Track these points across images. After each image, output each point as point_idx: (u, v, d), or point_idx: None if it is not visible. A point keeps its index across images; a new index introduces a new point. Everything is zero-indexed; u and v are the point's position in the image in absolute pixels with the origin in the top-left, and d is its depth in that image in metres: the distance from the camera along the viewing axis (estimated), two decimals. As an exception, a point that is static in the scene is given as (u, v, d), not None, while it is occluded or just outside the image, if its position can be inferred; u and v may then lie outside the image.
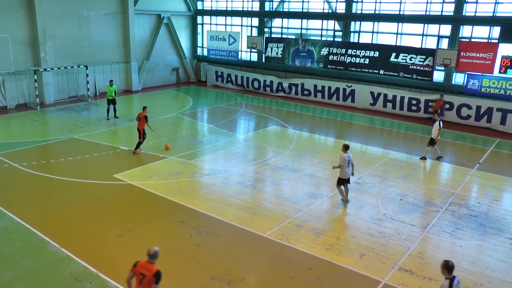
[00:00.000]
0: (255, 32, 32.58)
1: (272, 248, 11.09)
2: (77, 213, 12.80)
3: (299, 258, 10.65)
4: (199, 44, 36.55)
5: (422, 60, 24.84)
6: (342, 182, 13.65)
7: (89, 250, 10.71)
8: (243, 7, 33.07)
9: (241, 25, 33.63)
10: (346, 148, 13.63)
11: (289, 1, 30.87)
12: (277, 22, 32.04)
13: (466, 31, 24.41)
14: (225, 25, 34.61)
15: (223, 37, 33.41)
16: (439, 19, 24.97)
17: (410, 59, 25.32)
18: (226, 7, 34.14)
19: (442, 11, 24.78)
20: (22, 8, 25.38)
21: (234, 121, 24.01)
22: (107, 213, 12.83)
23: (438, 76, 25.37)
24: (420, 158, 18.29)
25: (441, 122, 18.01)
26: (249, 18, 33.07)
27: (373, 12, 27.09)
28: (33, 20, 25.74)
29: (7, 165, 16.30)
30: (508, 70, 22.23)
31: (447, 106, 24.27)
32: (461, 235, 12.01)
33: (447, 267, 7.26)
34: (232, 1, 33.69)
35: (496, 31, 23.05)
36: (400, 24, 26.37)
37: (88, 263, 10.09)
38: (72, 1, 27.63)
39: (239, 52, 33.15)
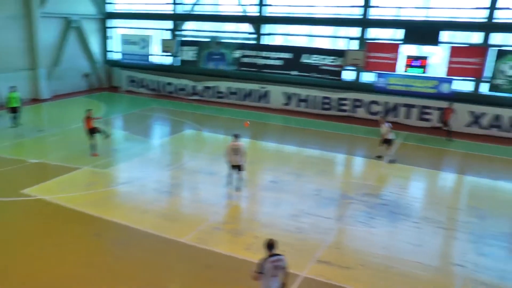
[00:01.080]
0: (168, 35, 32.10)
1: (191, 253, 10.85)
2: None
3: (219, 261, 10.52)
4: (111, 48, 35.33)
5: (333, 60, 25.81)
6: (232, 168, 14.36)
7: (1, 271, 9.87)
8: (155, 10, 32.43)
9: (154, 28, 32.99)
10: (235, 137, 14.41)
11: (201, 4, 30.74)
12: (190, 25, 31.80)
13: (373, 32, 25.70)
14: (138, 28, 33.79)
15: (136, 41, 32.59)
16: (348, 22, 26.10)
17: (321, 60, 26.19)
18: (138, 10, 33.33)
19: (351, 14, 25.92)
20: None
21: (149, 127, 23.44)
22: (14, 234, 11.82)
23: (349, 75, 26.41)
24: (377, 156, 18.46)
25: (388, 123, 18.51)
26: (162, 21, 32.51)
27: (285, 15, 27.68)
28: None
29: None
30: (410, 68, 23.66)
31: (357, 103, 25.36)
32: (374, 223, 12.53)
33: (267, 245, 7.71)
34: (144, 4, 32.94)
35: (400, 33, 24.41)
36: (311, 26, 27.21)
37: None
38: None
39: (153, 56, 32.50)
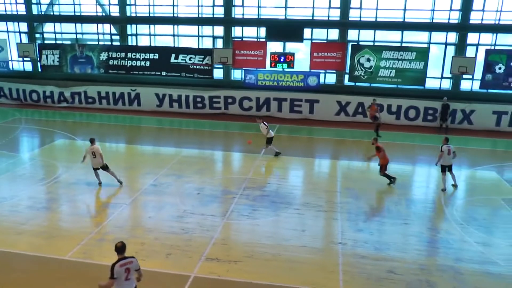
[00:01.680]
0: (25, 39, 29.59)
1: (76, 269, 10.15)
2: None
3: (106, 273, 9.91)
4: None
5: (201, 59, 25.90)
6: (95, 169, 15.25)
7: None
8: (6, 10, 29.57)
9: (8, 31, 30.13)
10: (91, 141, 15.33)
11: (59, 4, 28.84)
12: (49, 26, 29.65)
13: (237, 31, 26.24)
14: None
15: (-12, 46, 29.57)
16: (212, 21, 26.45)
17: (189, 59, 26.16)
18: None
19: (213, 14, 26.22)
20: None
21: (15, 140, 21.39)
22: None
23: (219, 73, 26.72)
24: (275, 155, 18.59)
25: (264, 122, 18.80)
26: (16, 23, 29.88)
27: (148, 15, 27.12)
28: None
29: None
30: (278, 64, 24.66)
31: (230, 100, 25.77)
32: (257, 215, 12.85)
33: (116, 249, 7.76)
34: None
35: (263, 31, 25.28)
36: (175, 26, 26.98)
37: None
38: None
39: (10, 62, 29.78)
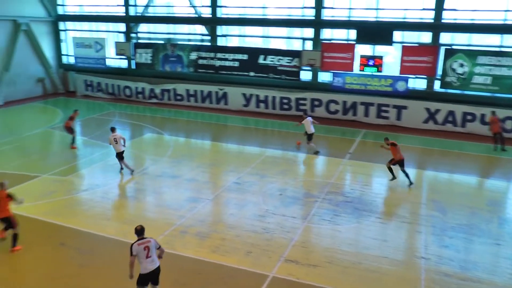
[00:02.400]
0: (122, 38, 31.46)
1: (159, 258, 10.67)
2: None
3: (187, 265, 10.39)
4: (65, 52, 34.25)
5: (289, 61, 25.95)
6: (119, 156, 16.31)
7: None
8: (107, 12, 31.73)
9: (108, 31, 32.24)
10: (112, 130, 16.77)
11: (154, 6, 30.30)
12: (144, 27, 31.29)
13: (327, 33, 26.02)
14: (91, 31, 32.93)
15: (90, 44, 31.78)
16: (302, 23, 26.35)
17: (278, 61, 26.29)
18: (90, 12, 32.48)
19: (303, 15, 26.13)
20: None
21: (108, 132, 22.75)
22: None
23: (306, 75, 26.64)
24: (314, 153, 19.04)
25: (310, 117, 19.25)
26: (115, 24, 31.85)
27: (238, 16, 27.67)
28: None
29: None
30: (366, 67, 24.10)
31: (316, 103, 25.63)
32: (339, 220, 12.68)
33: (135, 231, 8.63)
34: (95, 5, 32.13)
35: (353, 33, 24.86)
36: (265, 27, 27.28)
37: None
38: None
39: (108, 59, 31.79)
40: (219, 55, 27.77)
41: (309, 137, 19.05)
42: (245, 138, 21.93)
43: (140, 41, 30.99)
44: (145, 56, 29.92)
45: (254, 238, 11.55)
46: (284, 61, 26.13)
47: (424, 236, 11.96)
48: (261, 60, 26.71)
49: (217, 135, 22.68)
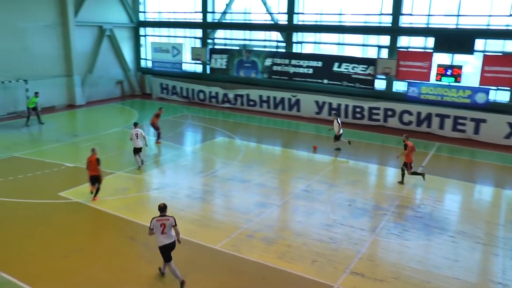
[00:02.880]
0: (199, 44, 32.45)
1: (224, 260, 10.93)
2: (19, 235, 12.09)
3: (252, 269, 10.55)
4: (143, 56, 35.97)
5: (364, 69, 25.60)
6: (136, 151, 17.32)
7: (32, 274, 10.13)
8: (186, 18, 32.89)
9: (185, 37, 33.42)
10: (135, 125, 17.90)
11: (231, 12, 31.00)
12: (220, 33, 32.10)
13: (403, 41, 25.41)
14: (169, 36, 34.31)
15: (167, 48, 33.13)
16: (378, 30, 25.91)
17: (352, 69, 26.02)
18: (169, 19, 33.85)
19: (380, 22, 25.69)
20: (-48, 20, 24.06)
21: (181, 134, 23.68)
22: (52, 234, 12.19)
23: (380, 84, 26.18)
24: (336, 149, 20.47)
25: (338, 119, 20.47)
26: (192, 30, 32.95)
27: (314, 23, 27.66)
28: (-35, 32, 24.46)
29: None
30: (443, 77, 23.25)
31: (389, 113, 25.08)
32: (408, 236, 12.33)
33: (158, 208, 9.76)
34: (174, 12, 33.43)
35: (431, 41, 24.10)
36: (341, 34, 27.10)
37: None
38: (7, 12, 26.38)
39: (184, 64, 32.92)
40: (294, 61, 27.93)
41: (337, 137, 20.38)
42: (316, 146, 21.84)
43: (216, 46, 31.80)
44: (220, 62, 30.67)
45: (320, 247, 11.52)
46: (359, 69, 25.81)
47: (502, 259, 11.30)
48: (335, 68, 26.55)
49: (288, 142, 22.79)
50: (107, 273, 10.27)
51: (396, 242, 11.98)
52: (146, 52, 35.71)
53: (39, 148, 20.15)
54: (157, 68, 34.05)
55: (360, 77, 25.84)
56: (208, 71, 32.00)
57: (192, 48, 31.81)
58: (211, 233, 12.22)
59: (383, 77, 25.65)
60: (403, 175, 16.47)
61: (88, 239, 11.91)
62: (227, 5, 30.60)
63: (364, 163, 18.99)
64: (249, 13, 29.97)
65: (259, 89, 29.52)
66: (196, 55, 31.30)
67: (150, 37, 35.43)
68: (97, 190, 14.40)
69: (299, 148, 21.32)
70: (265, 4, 29.06)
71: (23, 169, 17.24)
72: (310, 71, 27.40)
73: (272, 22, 29.15)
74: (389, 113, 25.16)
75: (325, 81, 27.03)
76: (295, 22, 28.15)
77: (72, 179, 16.49)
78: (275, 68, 28.62)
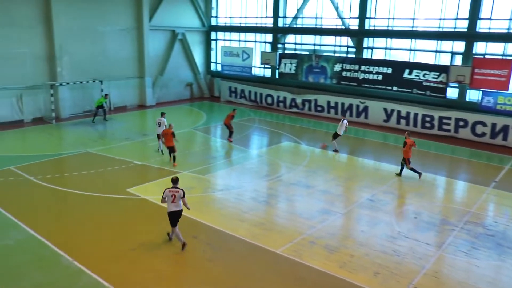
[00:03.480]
0: (268, 48, 32.79)
1: (285, 264, 11.03)
2: (90, 226, 12.91)
3: (312, 275, 10.57)
4: (213, 59, 36.85)
5: (436, 76, 24.77)
6: (159, 136, 19.67)
7: (102, 264, 10.76)
8: (256, 23, 33.37)
9: (255, 41, 33.89)
10: (162, 114, 20.22)
11: (302, 17, 31.06)
12: (290, 38, 32.24)
13: (480, 47, 24.34)
14: (239, 40, 34.94)
15: (237, 52, 33.73)
16: (453, 36, 24.95)
17: (423, 76, 25.26)
18: (240, 23, 34.46)
19: (455, 28, 24.74)
20: (40, 24, 25.90)
21: (248, 137, 24.04)
22: (120, 227, 12.92)
23: (452, 92, 25.25)
24: (333, 150, 21.17)
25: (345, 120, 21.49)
26: (263, 34, 33.34)
27: (386, 28, 27.14)
28: (51, 36, 26.25)
29: (23, 178, 16.52)
30: (523, 87, 22.07)
31: (461, 123, 24.12)
32: (478, 254, 11.82)
33: (171, 180, 11.71)
34: (246, 17, 34.00)
35: (511, 47, 22.94)
36: (413, 40, 26.38)
37: (101, 277, 10.13)
38: (88, 17, 28.08)
39: (253, 68, 33.37)
40: (363, 67, 27.53)
41: (335, 136, 21.28)
42: (382, 155, 21.47)
43: (285, 51, 31.98)
44: (289, 66, 30.81)
45: (384, 259, 11.34)
46: (430, 76, 25.01)
47: None
48: (405, 75, 25.90)
49: (354, 149, 22.50)
50: (171, 268, 10.73)
51: (464, 260, 11.54)
52: (216, 56, 36.53)
53: (110, 145, 21.23)
54: (227, 71, 34.73)
55: (431, 84, 25.02)
56: (277, 76, 32.24)
57: (262, 52, 32.22)
58: (273, 237, 12.36)
59: (456, 85, 24.73)
60: (401, 168, 17.78)
61: (154, 234, 12.42)
62: (298, 9, 30.70)
63: (432, 174, 18.38)
64: (320, 17, 29.85)
65: (327, 95, 29.38)
66: (265, 59, 31.65)
67: (220, 41, 36.20)
68: (174, 158, 18.39)
69: (365, 156, 21.00)
70: (336, 8, 28.91)
71: (95, 164, 18.30)
72: (380, 77, 26.90)
73: (343, 27, 28.92)
74: (461, 123, 24.18)
75: (395, 88, 26.43)
76: (366, 27, 27.75)
77: (140, 177, 17.31)
78: (344, 73, 28.34)
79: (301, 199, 15.33)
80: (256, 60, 33.24)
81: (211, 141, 23.22)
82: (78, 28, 27.58)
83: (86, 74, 28.05)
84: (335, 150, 21.12)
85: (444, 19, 25.08)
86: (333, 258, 11.32)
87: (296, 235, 12.51)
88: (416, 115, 25.60)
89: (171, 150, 18.36)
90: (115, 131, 23.73)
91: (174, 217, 11.47)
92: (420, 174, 17.52)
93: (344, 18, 28.76)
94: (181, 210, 11.49)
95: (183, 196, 11.39)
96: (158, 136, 19.72)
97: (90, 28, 28.30)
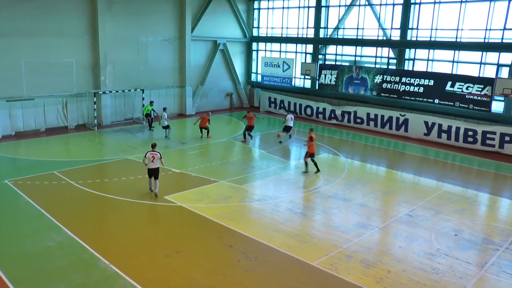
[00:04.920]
0: (309, 59, 32.78)
1: (320, 277, 10.95)
2: (128, 231, 13.23)
3: (348, 290, 10.45)
4: (254, 70, 37.14)
5: (480, 89, 24.09)
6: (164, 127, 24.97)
7: (137, 269, 10.99)
8: (298, 34, 33.44)
9: (295, 52, 33.95)
10: (164, 110, 25.00)
11: (343, 28, 30.92)
12: (331, 48, 32.14)
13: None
14: (280, 51, 35.09)
15: (277, 63, 33.87)
16: (499, 47, 24.12)
17: (466, 88, 24.61)
18: (281, 34, 34.63)
19: (502, 38, 23.99)
20: (87, 35, 26.88)
21: (286, 148, 24.04)
22: (157, 233, 13.20)
23: (497, 106, 24.49)
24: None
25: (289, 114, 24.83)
26: (304, 45, 33.36)
27: (428, 39, 26.66)
28: (96, 46, 27.17)
29: (65, 182, 17.13)
30: None
31: (506, 138, 23.29)
32: (523, 276, 11.36)
33: (151, 145, 16.29)
34: (287, 27, 34.13)
35: None
36: (456, 51, 25.77)
37: (136, 281, 10.34)
38: (132, 28, 28.96)
39: (293, 79, 33.42)
40: (404, 79, 27.11)
41: (286, 129, 24.71)
42: (422, 169, 21.02)
43: (326, 62, 31.92)
44: (329, 77, 30.70)
45: (421, 276, 11.08)
46: (474, 89, 24.32)
47: None
48: (448, 87, 25.31)
49: (393, 163, 22.14)
50: (205, 277, 10.78)
51: (508, 282, 11.09)
52: (257, 66, 36.81)
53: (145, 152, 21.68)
54: (267, 82, 34.90)
55: (475, 98, 24.33)
56: (316, 87, 32.17)
57: (302, 63, 32.24)
58: (309, 249, 12.31)
59: (502, 98, 23.97)
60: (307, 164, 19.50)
61: (189, 242, 12.61)
62: (340, 20, 30.60)
63: (474, 191, 17.90)
64: (362, 28, 29.63)
65: (367, 107, 29.10)
66: (305, 70, 31.64)
67: (261, 52, 36.47)
68: (208, 132, 24.84)
69: (405, 170, 20.63)
70: (378, 19, 28.65)
71: (134, 171, 18.72)
72: (421, 89, 26.42)
73: (384, 38, 28.62)
74: (507, 138, 23.34)
75: (436, 100, 25.88)
76: (408, 37, 27.37)
77: (178, 184, 17.63)
78: (384, 85, 28.01)
79: (338, 212, 15.20)
80: (297, 70, 33.25)
81: (249, 151, 23.33)
82: (121, 38, 28.47)
83: (128, 82, 28.90)
84: (280, 142, 24.36)
85: (490, 29, 24.37)
86: (370, 273, 11.15)
87: (332, 248, 12.41)
88: (458, 129, 24.93)
89: (205, 129, 25.06)
90: (155, 139, 24.17)
91: (152, 172, 15.90)
92: (318, 171, 19.30)
93: (386, 28, 28.46)
94: (158, 168, 15.88)
95: (161, 157, 15.82)
96: (164, 127, 24.92)
97: (133, 38, 29.14)
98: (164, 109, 25.35)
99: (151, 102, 27.27)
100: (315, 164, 19.31)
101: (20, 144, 23.15)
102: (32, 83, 25.13)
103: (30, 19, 24.54)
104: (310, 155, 19.25)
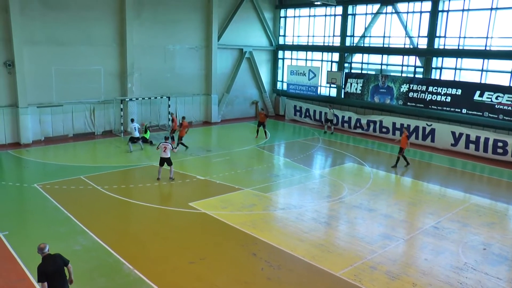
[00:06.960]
0: (335, 67, 32.67)
1: (344, 288, 10.84)
2: (152, 237, 13.38)
3: (371, 302, 10.32)
4: (279, 78, 37.19)
5: (510, 99, 23.54)
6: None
7: (161, 275, 11.08)
8: (324, 42, 33.39)
9: (321, 60, 33.88)
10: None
11: (370, 36, 30.74)
12: (357, 57, 31.97)
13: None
14: (305, 60, 35.07)
15: (303, 72, 33.86)
16: (531, 56, 23.60)
17: (496, 98, 24.08)
18: (307, 42, 34.63)
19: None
20: (115, 43, 27.39)
21: (311, 156, 23.97)
22: (181, 240, 13.28)
23: (528, 117, 23.90)
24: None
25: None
26: (330, 53, 33.29)
27: (456, 47, 26.23)
28: (124, 54, 27.65)
29: (91, 187, 17.44)
30: None
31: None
32: (556, 294, 11.02)
33: (164, 138, 18.62)
34: (313, 36, 34.12)
35: None
36: (485, 60, 25.27)
37: (159, 287, 10.44)
38: (160, 37, 29.39)
39: (319, 87, 33.34)
40: (431, 88, 26.73)
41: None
42: (449, 180, 20.63)
43: (352, 71, 31.76)
44: (354, 86, 30.53)
45: (448, 291, 10.87)
46: (504, 98, 23.74)
47: None
48: (476, 97, 24.81)
49: (419, 173, 21.80)
50: (229, 285, 10.80)
51: (539, 297, 10.81)
52: (283, 74, 36.85)
53: (175, 160, 21.63)
54: (292, 90, 34.91)
55: (505, 107, 23.77)
56: (342, 95, 32.01)
57: (328, 72, 32.15)
58: (333, 259, 12.21)
59: (533, 109, 23.42)
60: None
61: (213, 249, 12.65)
62: (366, 28, 30.43)
63: (504, 204, 17.48)
64: (388, 36, 29.38)
65: (393, 116, 28.81)
66: (331, 78, 31.54)
67: (287, 60, 36.53)
68: (264, 126, 27.31)
69: (431, 181, 20.30)
70: (405, 27, 28.39)
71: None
72: (448, 99, 25.99)
73: (411, 46, 28.31)
74: (538, 150, 22.78)
75: (464, 110, 25.41)
76: (435, 46, 27.00)
77: (202, 191, 17.75)
78: (411, 94, 27.68)
79: (363, 223, 15.04)
80: (322, 79, 33.19)
81: (274, 159, 23.35)
82: (149, 47, 28.91)
83: (154, 90, 29.30)
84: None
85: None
86: (394, 285, 10.99)
87: (356, 259, 12.28)
88: (487, 139, 24.41)
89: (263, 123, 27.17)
90: (180, 146, 24.39)
91: (164, 160, 18.24)
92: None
93: (413, 36, 28.16)
94: (169, 157, 18.32)
95: (172, 148, 18.64)
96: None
97: (160, 47, 29.56)
98: (132, 120, 24.75)
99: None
100: (405, 159, 21.83)
101: (48, 149, 23.69)
102: (62, 90, 25.73)
103: (61, 28, 25.20)
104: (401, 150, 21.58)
